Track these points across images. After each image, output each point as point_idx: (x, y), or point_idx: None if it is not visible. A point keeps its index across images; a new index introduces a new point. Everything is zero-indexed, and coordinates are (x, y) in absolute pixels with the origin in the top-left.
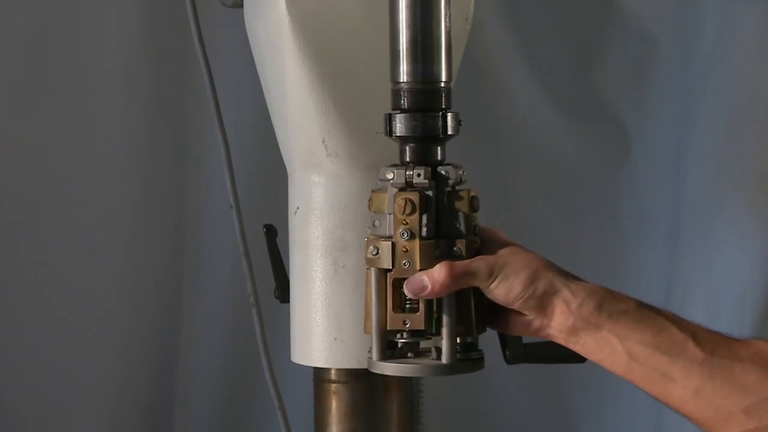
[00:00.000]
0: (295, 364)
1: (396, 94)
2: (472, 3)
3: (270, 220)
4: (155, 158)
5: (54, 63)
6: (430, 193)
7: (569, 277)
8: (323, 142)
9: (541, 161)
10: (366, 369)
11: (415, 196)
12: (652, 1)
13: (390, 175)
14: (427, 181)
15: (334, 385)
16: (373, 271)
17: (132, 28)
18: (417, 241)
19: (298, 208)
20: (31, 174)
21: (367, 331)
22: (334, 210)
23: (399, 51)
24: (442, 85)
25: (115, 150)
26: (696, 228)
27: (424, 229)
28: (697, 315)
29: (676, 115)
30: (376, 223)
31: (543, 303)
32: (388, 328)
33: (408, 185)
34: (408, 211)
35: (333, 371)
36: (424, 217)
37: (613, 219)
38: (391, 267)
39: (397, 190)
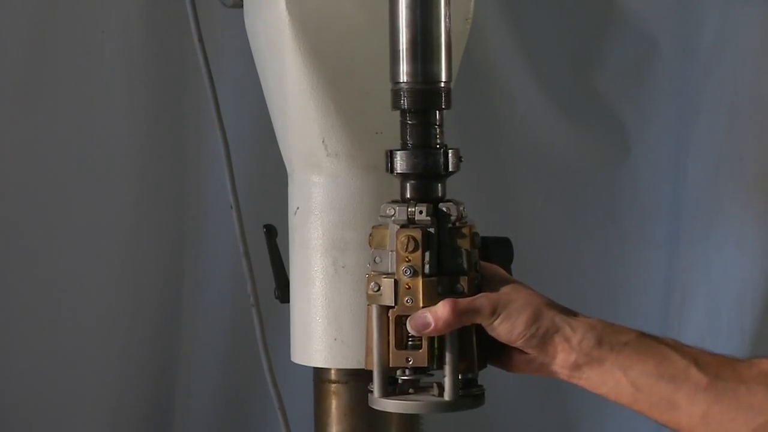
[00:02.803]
0: (295, 364)
1: (396, 94)
2: (472, 3)
3: (270, 220)
4: (155, 158)
5: (54, 63)
6: (432, 230)
7: (569, 313)
8: (323, 142)
9: (541, 161)
10: (366, 369)
11: (417, 234)
12: (652, 1)
13: (391, 212)
14: (429, 218)
15: (334, 385)
16: (374, 307)
17: (132, 28)
18: (420, 279)
19: (298, 208)
20: (31, 173)
21: (368, 366)
22: (334, 210)
23: (399, 51)
24: (442, 85)
25: (115, 150)
26: (696, 228)
27: (427, 266)
28: (697, 315)
29: (676, 115)
30: (377, 259)
31: (544, 341)
32: (390, 365)
33: (410, 222)
34: (411, 248)
35: (333, 371)
36: (427, 254)
37: (613, 219)
38: (393, 304)
39: (399, 227)
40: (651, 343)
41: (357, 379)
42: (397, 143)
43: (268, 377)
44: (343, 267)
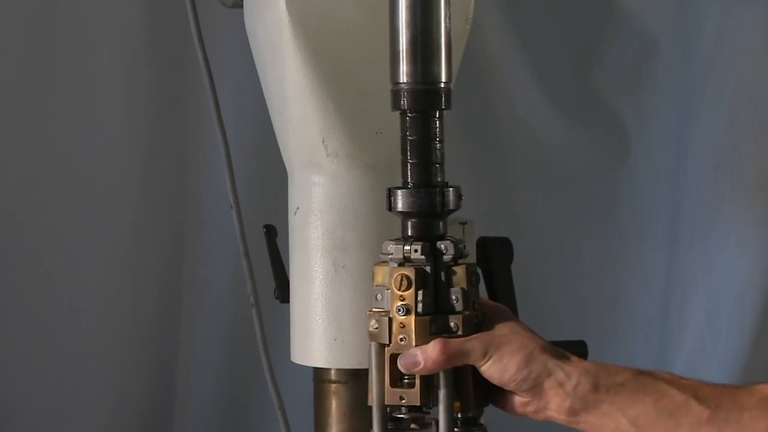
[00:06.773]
0: (295, 364)
1: (396, 94)
2: (472, 3)
3: (270, 220)
4: (155, 158)
5: (54, 63)
6: (427, 268)
7: (563, 358)
8: (323, 142)
9: (541, 161)
10: (366, 369)
11: (411, 272)
12: (652, 1)
13: (391, 249)
14: (424, 256)
15: (334, 385)
16: (373, 345)
17: (132, 28)
18: (412, 317)
19: (298, 208)
20: (31, 174)
21: (369, 403)
22: (334, 210)
23: (399, 51)
24: (442, 85)
25: (115, 150)
26: (696, 228)
27: (420, 305)
28: (697, 315)
29: (676, 115)
30: (378, 296)
31: (537, 385)
32: (385, 403)
33: (406, 260)
34: (404, 286)
35: (333, 371)
36: (420, 293)
37: (613, 219)
38: (388, 342)
39: (396, 264)
40: (647, 380)
41: (357, 379)
42: (397, 143)
43: (268, 377)
44: (343, 267)
